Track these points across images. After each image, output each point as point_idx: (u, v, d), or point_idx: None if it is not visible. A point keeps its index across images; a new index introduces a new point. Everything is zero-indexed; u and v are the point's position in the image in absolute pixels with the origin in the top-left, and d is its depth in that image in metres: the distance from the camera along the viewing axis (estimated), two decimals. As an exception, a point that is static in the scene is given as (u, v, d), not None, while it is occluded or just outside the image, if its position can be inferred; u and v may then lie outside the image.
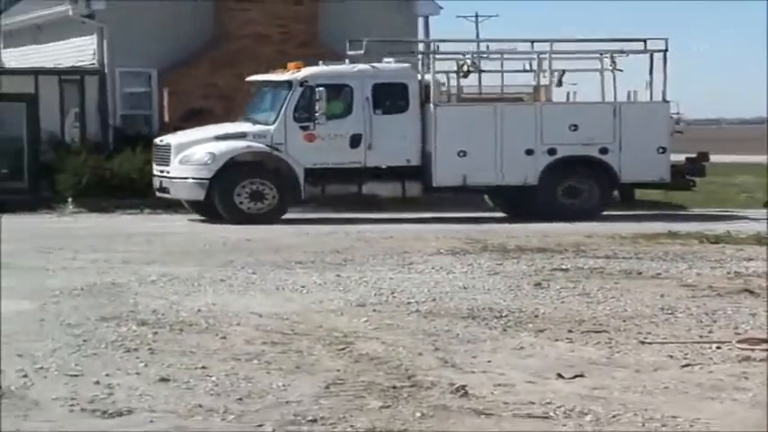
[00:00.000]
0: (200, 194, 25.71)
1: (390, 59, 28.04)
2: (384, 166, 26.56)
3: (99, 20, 34.04)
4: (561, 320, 13.28)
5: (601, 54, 28.75)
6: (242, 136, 26.08)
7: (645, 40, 29.16)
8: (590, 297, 15.10)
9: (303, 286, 16.27)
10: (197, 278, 17.15)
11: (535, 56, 28.34)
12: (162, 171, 26.63)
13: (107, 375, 10.37)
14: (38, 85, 32.92)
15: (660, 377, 10.04)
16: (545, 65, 27.97)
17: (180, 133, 27.91)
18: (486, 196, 28.86)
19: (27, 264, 19.16)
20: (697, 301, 14.52)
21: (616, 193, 28.95)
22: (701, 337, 12.08)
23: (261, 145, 25.84)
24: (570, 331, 12.51)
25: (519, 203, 27.59)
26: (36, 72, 33.73)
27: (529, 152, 26.50)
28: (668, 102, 28.40)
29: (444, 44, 30.40)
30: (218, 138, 26.05)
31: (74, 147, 32.51)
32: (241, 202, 25.69)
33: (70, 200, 29.27)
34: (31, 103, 32.00)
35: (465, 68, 28.36)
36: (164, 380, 10.12)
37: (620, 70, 28.75)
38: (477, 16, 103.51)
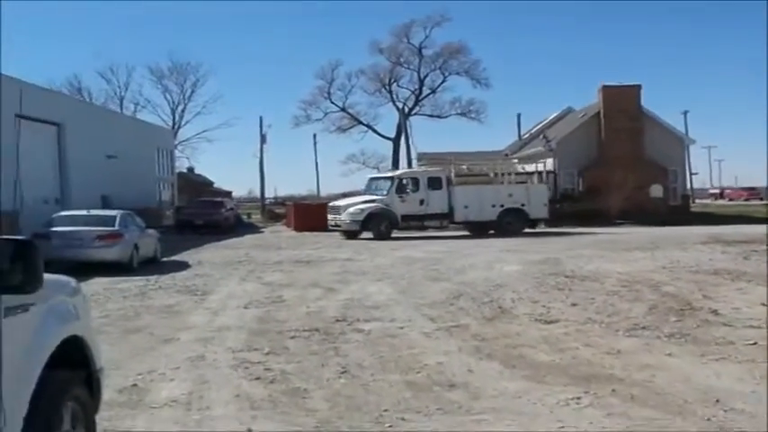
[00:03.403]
0: (357, 227, 30.08)
1: (439, 167, 34.42)
2: (433, 213, 31.35)
3: (555, 151, 41.20)
4: (759, 275, 13.56)
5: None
6: (373, 201, 30.50)
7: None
8: (773, 262, 15.40)
9: (636, 259, 17.47)
10: (590, 256, 18.61)
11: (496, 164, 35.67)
12: (335, 217, 31.03)
13: (549, 302, 11.34)
14: (530, 179, 37.03)
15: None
16: (499, 168, 34.68)
17: (343, 200, 33.30)
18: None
19: (523, 250, 21.42)
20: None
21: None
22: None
23: (382, 205, 30.37)
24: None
25: (489, 228, 30.98)
26: (531, 173, 37.50)
27: (493, 205, 31.38)
28: (546, 183, 35.10)
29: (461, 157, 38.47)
30: (364, 202, 30.63)
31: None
32: (375, 229, 29.80)
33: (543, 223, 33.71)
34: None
35: (466, 170, 35.37)
36: (573, 304, 10.99)
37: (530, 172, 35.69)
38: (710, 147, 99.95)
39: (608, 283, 13.44)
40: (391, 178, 32.02)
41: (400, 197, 30.76)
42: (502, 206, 31.34)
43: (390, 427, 5.54)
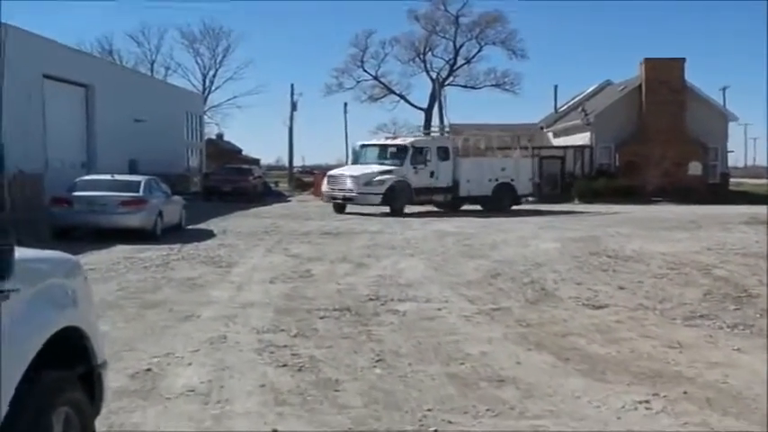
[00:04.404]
0: (378, 200, 26.56)
1: (447, 136, 33.72)
2: (440, 186, 28.58)
3: (592, 125, 39.98)
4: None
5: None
6: (390, 172, 27.03)
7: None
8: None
9: (679, 239, 16.53)
10: (629, 234, 17.69)
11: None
12: (343, 188, 27.07)
13: (594, 284, 10.55)
14: (566, 153, 40.47)
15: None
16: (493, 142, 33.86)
17: (349, 169, 29.11)
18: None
19: (557, 226, 20.68)
20: None
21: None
22: None
23: (400, 177, 27.10)
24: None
25: (485, 203, 29.11)
26: (566, 147, 41.13)
27: (489, 180, 29.33)
28: (530, 157, 33.51)
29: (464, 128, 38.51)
30: (381, 173, 26.86)
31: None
32: (397, 203, 26.50)
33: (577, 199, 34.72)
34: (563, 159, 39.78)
35: (469, 141, 33.34)
36: (621, 288, 10.24)
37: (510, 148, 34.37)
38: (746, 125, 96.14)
39: (653, 264, 12.63)
40: (405, 146, 28.45)
41: (414, 168, 27.62)
42: (497, 180, 29.40)
43: (436, 431, 4.83)
